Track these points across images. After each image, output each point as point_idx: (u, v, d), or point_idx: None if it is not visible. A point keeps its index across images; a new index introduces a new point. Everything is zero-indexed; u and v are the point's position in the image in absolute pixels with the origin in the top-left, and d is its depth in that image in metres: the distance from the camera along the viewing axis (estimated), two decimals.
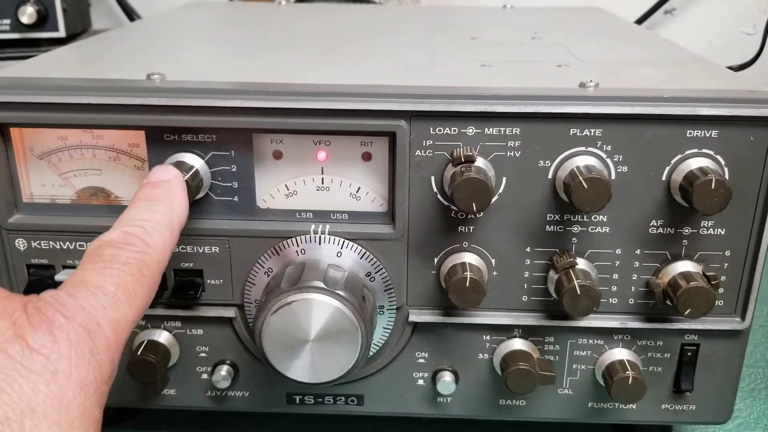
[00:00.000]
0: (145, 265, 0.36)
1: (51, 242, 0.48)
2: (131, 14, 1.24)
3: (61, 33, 1.12)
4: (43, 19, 1.09)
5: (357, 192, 0.48)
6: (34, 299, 0.32)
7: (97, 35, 0.68)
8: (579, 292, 0.43)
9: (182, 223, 0.42)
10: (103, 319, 0.32)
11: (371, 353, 0.49)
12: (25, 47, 1.11)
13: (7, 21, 1.10)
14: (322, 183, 0.48)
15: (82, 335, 0.31)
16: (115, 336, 0.33)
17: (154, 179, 0.42)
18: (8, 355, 0.29)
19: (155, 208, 0.40)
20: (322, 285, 0.43)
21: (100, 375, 0.31)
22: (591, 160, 0.44)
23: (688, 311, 0.44)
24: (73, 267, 0.49)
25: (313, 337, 0.43)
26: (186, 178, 0.44)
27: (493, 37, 0.67)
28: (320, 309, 0.43)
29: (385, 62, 0.56)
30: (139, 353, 0.49)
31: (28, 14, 1.08)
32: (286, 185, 0.48)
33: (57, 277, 0.49)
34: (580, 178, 0.42)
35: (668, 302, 0.46)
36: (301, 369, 0.44)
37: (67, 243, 0.48)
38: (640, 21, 1.04)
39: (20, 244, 0.49)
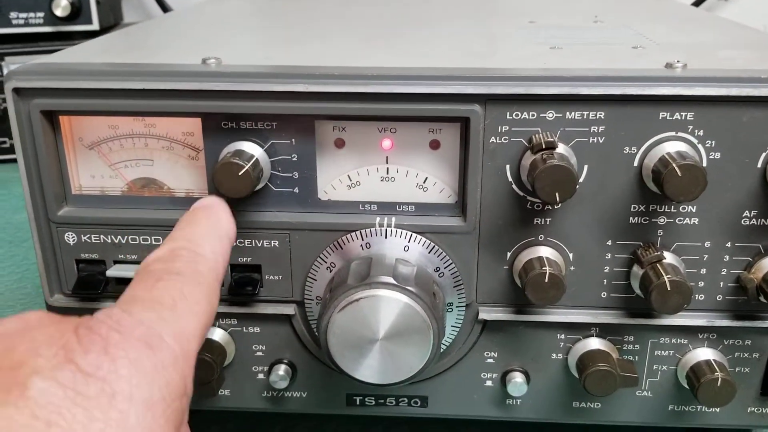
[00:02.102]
0: (199, 272, 0.34)
1: (101, 236, 0.46)
2: (165, 6, 1.23)
3: (95, 26, 1.10)
4: (77, 12, 1.08)
5: (424, 182, 0.45)
6: (86, 320, 0.29)
7: (139, 24, 0.66)
8: (669, 288, 0.40)
9: (231, 238, 0.39)
10: (165, 330, 0.29)
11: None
12: (58, 40, 1.10)
13: (41, 14, 1.09)
14: (387, 173, 0.45)
15: (142, 351, 0.28)
16: (182, 348, 0.30)
17: (194, 207, 0.40)
18: (58, 382, 0.26)
19: (199, 223, 0.38)
20: (392, 281, 0.41)
21: (169, 392, 0.28)
22: (681, 146, 0.41)
23: None
24: (125, 262, 0.47)
25: (382, 336, 0.41)
26: (247, 167, 0.41)
27: (553, 20, 0.64)
28: (390, 306, 0.40)
29: (445, 47, 0.53)
30: None
31: (62, 7, 1.07)
32: (348, 176, 0.45)
33: (108, 273, 0.47)
34: (674, 165, 0.38)
35: (763, 299, 0.42)
36: (369, 369, 0.41)
37: (118, 237, 0.46)
38: (695, 5, 1.00)
39: (70, 238, 0.46)
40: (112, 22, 1.17)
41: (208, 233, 0.37)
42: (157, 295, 0.31)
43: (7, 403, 0.25)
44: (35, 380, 0.25)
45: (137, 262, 0.46)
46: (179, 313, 0.31)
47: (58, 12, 1.06)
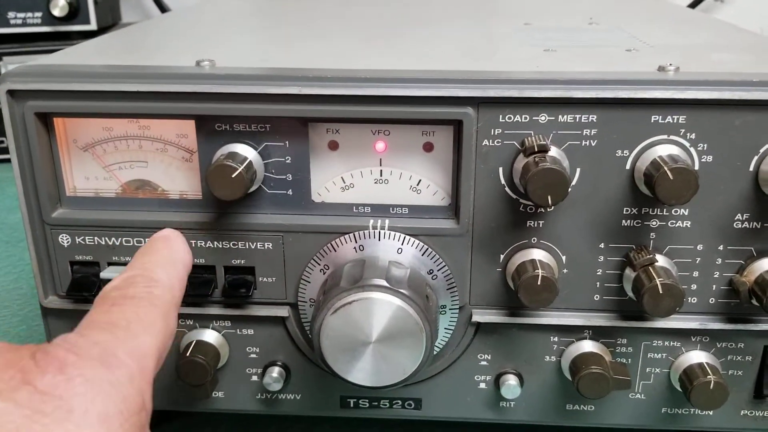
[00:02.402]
0: (153, 296, 0.34)
1: (96, 238, 0.46)
2: (163, 6, 1.23)
3: (93, 26, 1.10)
4: (75, 12, 1.08)
5: (417, 185, 0.45)
6: (43, 346, 0.29)
7: (136, 24, 0.66)
8: (661, 291, 0.40)
9: (187, 265, 0.39)
10: (120, 349, 0.30)
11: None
12: (56, 40, 1.10)
13: (39, 14, 1.09)
14: (381, 175, 0.45)
15: (98, 369, 0.29)
16: (138, 365, 0.30)
17: (152, 238, 0.40)
18: (15, 402, 0.26)
19: (155, 252, 0.38)
20: (385, 283, 0.41)
21: (127, 407, 0.29)
22: (674, 149, 0.41)
23: None
24: (119, 264, 0.47)
25: (375, 339, 0.41)
26: (240, 170, 0.41)
27: (548, 22, 0.64)
28: (383, 309, 0.40)
29: (441, 48, 0.53)
30: (187, 354, 0.46)
31: (60, 6, 1.07)
32: (342, 178, 0.45)
33: (102, 275, 0.47)
34: (665, 168, 0.38)
35: (755, 302, 0.43)
36: (362, 372, 0.41)
37: (113, 239, 0.46)
38: (691, 7, 1.00)
39: (64, 239, 0.46)
40: (110, 22, 1.17)
41: (164, 260, 0.38)
42: (112, 318, 0.32)
43: None
44: None
45: None
46: (134, 333, 0.32)
47: (56, 12, 1.06)
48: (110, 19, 1.17)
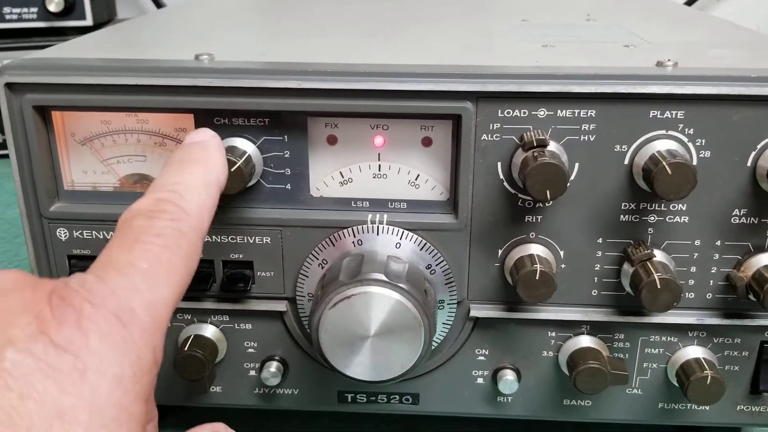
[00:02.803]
0: (181, 234, 0.33)
1: (93, 232, 0.46)
2: (159, 2, 1.22)
3: (88, 21, 1.10)
4: (71, 7, 1.08)
5: (416, 179, 0.45)
6: (60, 286, 0.29)
7: (133, 19, 0.66)
8: (659, 286, 0.40)
9: (221, 185, 0.38)
10: (137, 302, 0.29)
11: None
12: (51, 36, 1.10)
13: (35, 9, 1.08)
14: (379, 170, 0.45)
15: (113, 324, 0.28)
16: (152, 320, 0.29)
17: (188, 141, 0.39)
18: (31, 354, 0.26)
19: (189, 169, 0.36)
20: (383, 278, 0.41)
21: (139, 366, 0.28)
22: (672, 144, 0.41)
23: None
24: None
25: (374, 333, 0.41)
26: (239, 164, 0.41)
27: (545, 19, 0.64)
28: (381, 303, 0.40)
29: (439, 44, 0.53)
30: (185, 349, 0.46)
31: (55, 2, 1.06)
32: (340, 172, 0.45)
33: None
34: (664, 163, 0.39)
35: (752, 297, 0.43)
36: (360, 366, 0.42)
37: (111, 233, 0.46)
38: (688, 4, 1.00)
39: (62, 233, 0.46)
40: (105, 17, 1.16)
41: (197, 181, 0.35)
42: (133, 258, 0.30)
43: None
44: (9, 351, 0.26)
45: None
46: (153, 283, 0.30)
47: (52, 7, 1.06)
48: (106, 15, 1.17)
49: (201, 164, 0.37)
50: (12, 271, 0.30)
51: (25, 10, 1.07)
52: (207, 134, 0.39)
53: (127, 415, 0.27)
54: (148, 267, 0.30)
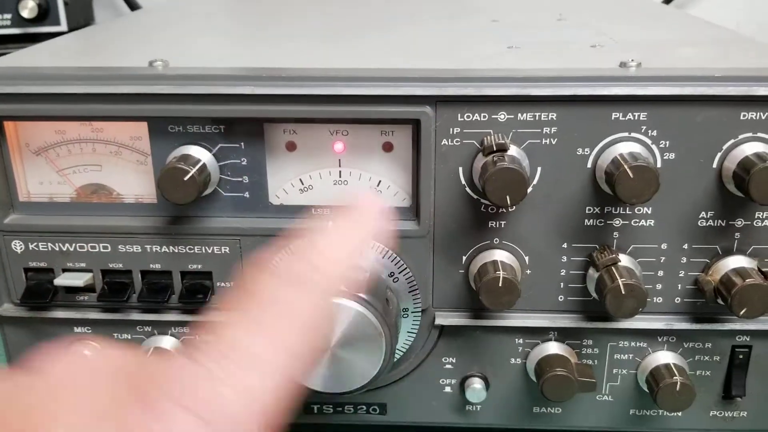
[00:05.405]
0: (312, 319, 0.27)
1: (50, 244, 0.45)
2: (134, 6, 1.21)
3: (63, 27, 1.08)
4: (45, 13, 1.06)
5: (377, 186, 0.44)
6: (165, 386, 0.23)
7: (96, 25, 0.65)
8: (623, 292, 0.40)
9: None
10: (245, 414, 0.24)
11: (395, 359, 0.45)
12: (26, 42, 1.08)
13: (8, 15, 1.07)
14: (340, 176, 0.44)
15: None
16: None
17: (354, 207, 0.31)
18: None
19: (350, 243, 0.29)
20: (343, 288, 0.40)
21: None
22: (635, 147, 0.40)
23: (743, 311, 0.40)
24: (73, 270, 0.46)
25: (334, 344, 0.40)
26: (192, 172, 0.40)
27: (516, 19, 0.63)
28: (342, 314, 0.39)
29: (403, 46, 0.52)
30: None
31: (29, 8, 1.05)
32: (300, 179, 0.44)
33: (56, 282, 0.45)
34: (625, 166, 0.38)
35: (720, 301, 0.42)
36: (321, 378, 0.40)
37: (67, 245, 0.45)
38: (665, 2, 1.00)
39: (17, 246, 0.45)
40: (82, 23, 1.15)
41: (351, 262, 0.29)
42: (256, 349, 0.25)
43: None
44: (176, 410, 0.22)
45: (86, 270, 0.45)
46: (270, 386, 0.25)
47: (25, 13, 1.04)
48: (82, 20, 1.15)
49: (360, 243, 0.30)
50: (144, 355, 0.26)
51: None
52: (377, 208, 0.31)
53: None
54: (270, 367, 0.25)
